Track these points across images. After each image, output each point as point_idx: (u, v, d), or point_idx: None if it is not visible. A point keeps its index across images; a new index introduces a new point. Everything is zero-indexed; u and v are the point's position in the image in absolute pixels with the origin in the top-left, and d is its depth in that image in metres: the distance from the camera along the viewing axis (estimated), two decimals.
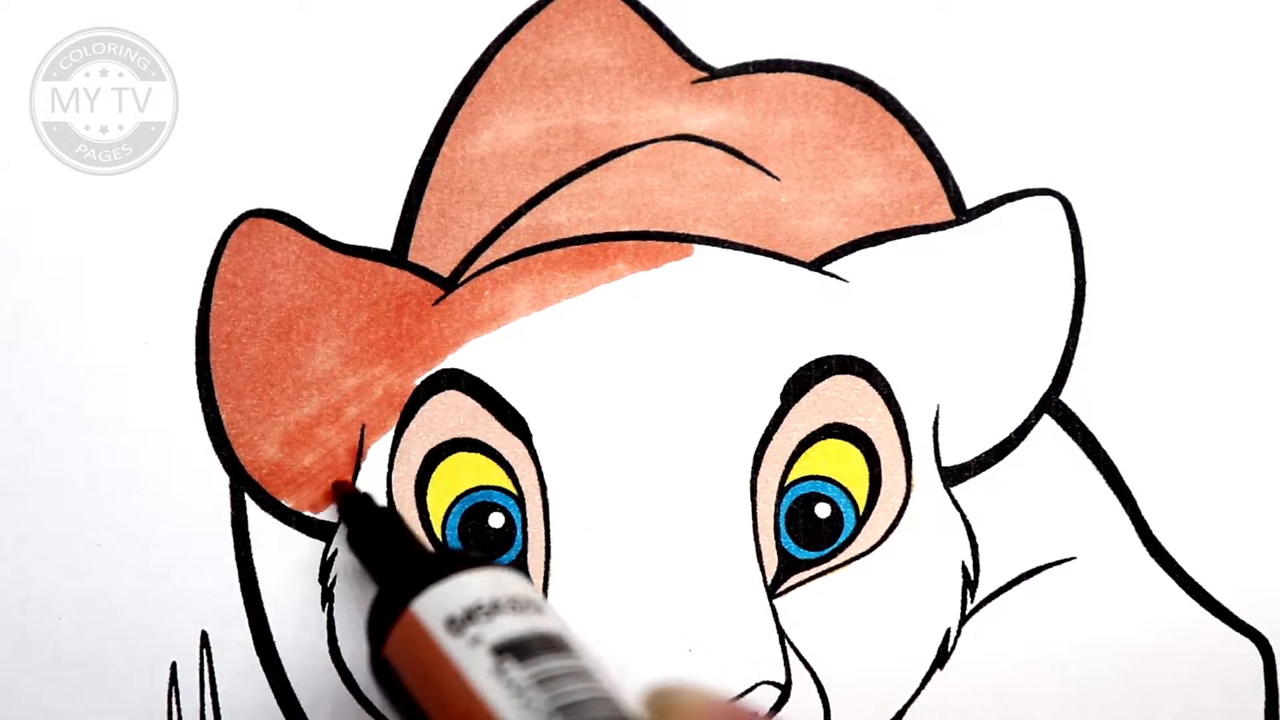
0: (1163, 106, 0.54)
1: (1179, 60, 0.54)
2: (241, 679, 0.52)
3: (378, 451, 0.53)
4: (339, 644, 0.52)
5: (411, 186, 0.53)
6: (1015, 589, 0.53)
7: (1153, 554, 0.54)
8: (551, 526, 0.53)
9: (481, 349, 0.53)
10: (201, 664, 0.52)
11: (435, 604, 0.44)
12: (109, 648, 0.52)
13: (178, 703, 0.52)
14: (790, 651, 0.53)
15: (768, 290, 0.53)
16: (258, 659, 0.53)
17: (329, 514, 0.53)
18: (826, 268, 0.53)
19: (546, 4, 0.53)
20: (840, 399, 0.53)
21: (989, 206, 0.54)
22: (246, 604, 0.52)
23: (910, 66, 0.54)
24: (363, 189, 0.53)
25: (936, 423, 0.53)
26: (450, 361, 0.53)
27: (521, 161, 0.53)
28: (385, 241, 0.53)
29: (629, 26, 0.53)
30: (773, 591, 0.53)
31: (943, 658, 0.53)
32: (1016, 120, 0.54)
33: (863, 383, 0.53)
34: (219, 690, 0.52)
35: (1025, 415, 0.54)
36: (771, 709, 0.53)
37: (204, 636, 0.52)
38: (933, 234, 0.53)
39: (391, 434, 0.53)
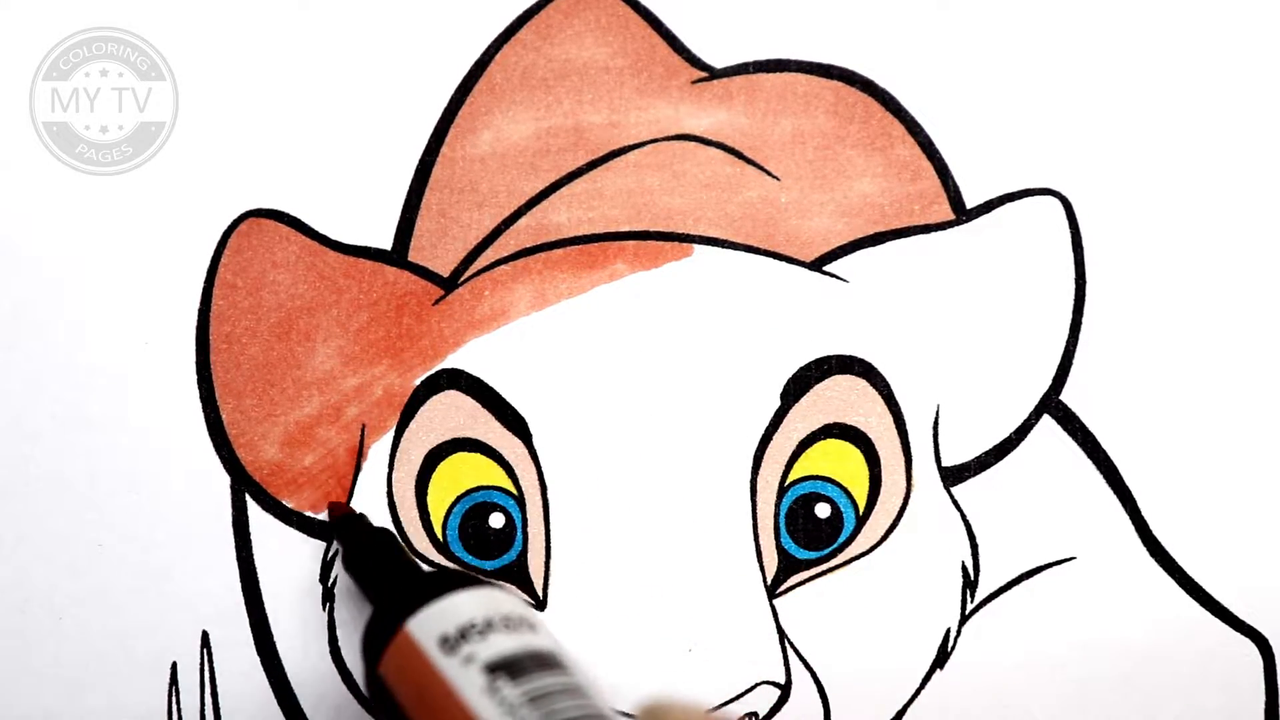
0: (1163, 106, 0.54)
1: (1179, 60, 0.54)
2: (242, 679, 0.52)
3: (378, 451, 0.53)
4: (339, 644, 0.52)
5: (411, 186, 0.53)
6: (1015, 589, 0.53)
7: (1153, 554, 0.54)
8: (551, 526, 0.53)
9: (481, 349, 0.53)
10: (202, 664, 0.52)
11: (429, 623, 0.45)
12: (109, 648, 0.52)
13: (178, 703, 0.52)
14: (790, 651, 0.53)
15: (768, 290, 0.53)
16: (258, 659, 0.53)
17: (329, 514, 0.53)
18: (826, 268, 0.53)
19: (546, 4, 0.53)
20: (840, 399, 0.53)
21: (989, 206, 0.54)
22: (247, 604, 0.52)
23: (910, 66, 0.54)
24: (363, 189, 0.53)
25: (936, 423, 0.53)
26: (450, 361, 0.53)
27: (521, 161, 0.53)
28: (385, 241, 0.53)
29: (629, 26, 0.53)
30: (773, 591, 0.53)
31: (943, 658, 0.53)
32: (1016, 120, 0.54)
33: (863, 383, 0.53)
34: (219, 690, 0.52)
35: (1025, 415, 0.54)
36: (771, 709, 0.53)
37: (204, 636, 0.52)
38: (933, 234, 0.53)
39: (391, 434, 0.53)
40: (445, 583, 0.46)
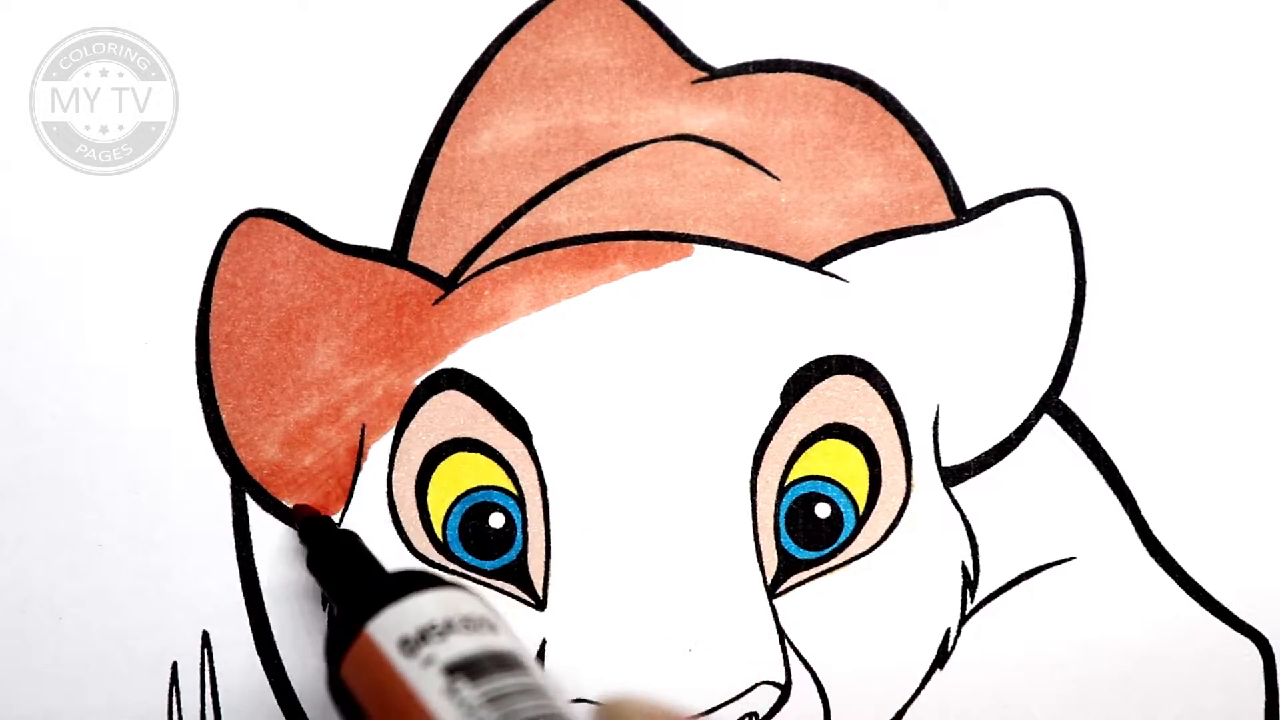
0: (1163, 106, 0.54)
1: (1179, 60, 0.54)
2: (242, 679, 0.52)
3: (378, 451, 0.53)
4: None
5: (411, 186, 0.53)
6: (1015, 589, 0.53)
7: (1153, 554, 0.54)
8: (551, 526, 0.53)
9: (481, 349, 0.53)
10: (202, 664, 0.52)
11: (390, 625, 0.45)
12: (109, 648, 0.52)
13: (178, 703, 0.52)
14: (790, 651, 0.53)
15: (768, 290, 0.53)
16: (258, 659, 0.53)
17: (330, 514, 0.53)
18: (826, 268, 0.53)
19: (546, 4, 0.53)
20: (840, 399, 0.53)
21: (989, 206, 0.54)
22: (247, 604, 0.52)
23: (910, 66, 0.54)
24: (363, 189, 0.53)
25: (936, 423, 0.53)
26: (450, 361, 0.53)
27: (521, 161, 0.53)
28: (385, 241, 0.53)
29: (629, 26, 0.53)
30: (773, 591, 0.53)
31: (943, 658, 0.53)
32: (1016, 120, 0.54)
33: (863, 383, 0.53)
34: (219, 690, 0.52)
35: (1025, 415, 0.54)
36: (771, 709, 0.53)
37: (205, 636, 0.52)
38: (933, 234, 0.53)
39: (391, 434, 0.53)
40: (406, 584, 0.46)
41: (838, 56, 0.54)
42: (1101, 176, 0.54)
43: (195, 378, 0.53)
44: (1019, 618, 0.53)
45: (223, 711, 0.52)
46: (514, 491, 0.52)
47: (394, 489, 0.53)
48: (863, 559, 0.53)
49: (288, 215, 0.53)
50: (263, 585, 0.53)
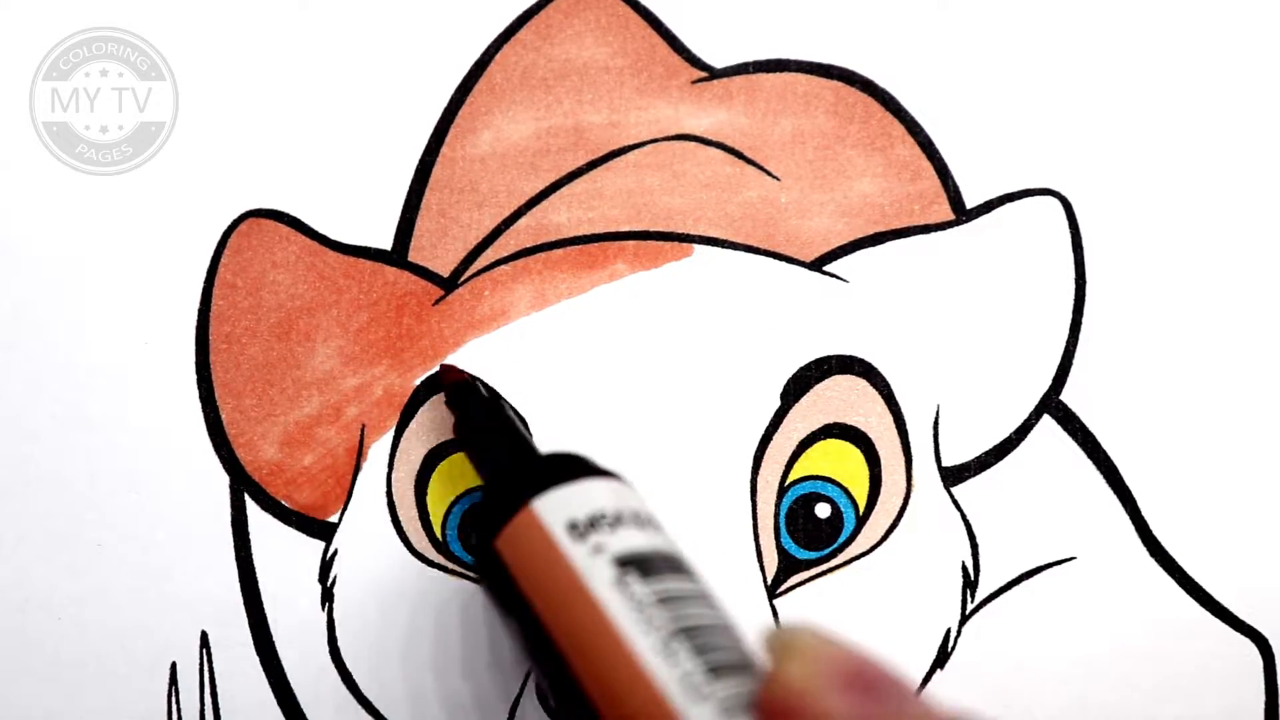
0: (1163, 106, 0.54)
1: (1179, 60, 0.54)
2: (241, 679, 0.52)
3: (378, 451, 0.53)
4: (339, 644, 0.52)
5: (411, 186, 0.53)
6: (1015, 589, 0.53)
7: (1153, 554, 0.54)
8: None
9: (481, 349, 0.53)
10: (201, 664, 0.52)
11: (557, 505, 0.44)
12: (109, 648, 0.52)
13: (178, 703, 0.52)
14: None
15: (768, 290, 0.53)
16: (258, 659, 0.52)
17: (330, 514, 0.53)
18: (826, 268, 0.53)
19: (546, 4, 0.53)
20: (840, 399, 0.53)
21: (989, 206, 0.54)
22: (246, 604, 0.52)
23: (910, 66, 0.54)
24: (363, 189, 0.53)
25: (936, 423, 0.53)
26: (450, 361, 0.53)
27: (521, 161, 0.53)
28: (385, 241, 0.53)
29: (629, 26, 0.53)
30: (773, 591, 0.53)
31: (943, 658, 0.53)
32: (1016, 120, 0.54)
33: (863, 383, 0.53)
34: (219, 690, 0.52)
35: (1025, 415, 0.54)
36: None
37: (204, 636, 0.52)
38: (933, 234, 0.53)
39: (391, 434, 0.53)
40: (574, 468, 0.45)
41: (838, 56, 0.54)
42: (1101, 176, 0.54)
43: (195, 378, 0.53)
44: (1019, 618, 0.53)
45: (222, 712, 0.52)
46: None
47: (393, 489, 0.53)
48: (863, 559, 0.53)
49: (288, 215, 0.53)
50: (262, 585, 0.53)
